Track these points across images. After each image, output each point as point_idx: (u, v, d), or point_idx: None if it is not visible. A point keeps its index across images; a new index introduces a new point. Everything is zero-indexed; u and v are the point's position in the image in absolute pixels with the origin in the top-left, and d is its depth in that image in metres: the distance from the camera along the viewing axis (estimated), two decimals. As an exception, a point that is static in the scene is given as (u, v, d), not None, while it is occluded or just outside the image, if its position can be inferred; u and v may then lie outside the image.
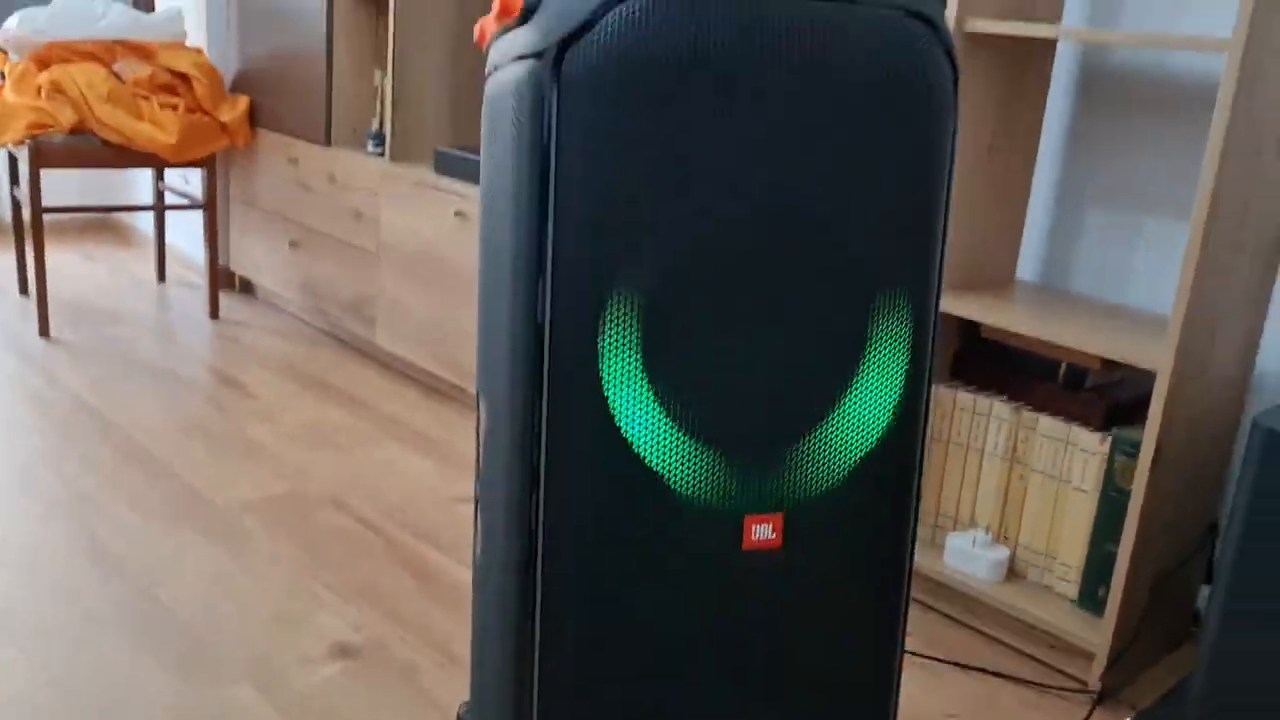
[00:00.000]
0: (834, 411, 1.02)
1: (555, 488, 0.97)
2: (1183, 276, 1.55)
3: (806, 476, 1.01)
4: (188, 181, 3.66)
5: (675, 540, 0.99)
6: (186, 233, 3.89)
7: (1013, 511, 1.88)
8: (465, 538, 2.10)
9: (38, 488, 2.15)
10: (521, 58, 0.94)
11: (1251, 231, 1.63)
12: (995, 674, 1.77)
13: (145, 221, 4.13)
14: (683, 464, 0.97)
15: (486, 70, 1.03)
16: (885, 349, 1.03)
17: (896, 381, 1.05)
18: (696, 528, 0.99)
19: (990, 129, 1.89)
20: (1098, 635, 1.70)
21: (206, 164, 3.21)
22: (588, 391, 0.95)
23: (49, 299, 3.38)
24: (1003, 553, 1.85)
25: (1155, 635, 1.79)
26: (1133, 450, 1.68)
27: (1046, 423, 1.80)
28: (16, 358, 2.86)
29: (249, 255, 3.49)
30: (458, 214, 2.58)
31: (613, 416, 0.96)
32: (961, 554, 1.88)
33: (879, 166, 0.98)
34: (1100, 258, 2.02)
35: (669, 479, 0.97)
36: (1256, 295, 1.71)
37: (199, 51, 3.23)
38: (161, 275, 3.74)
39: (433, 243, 2.67)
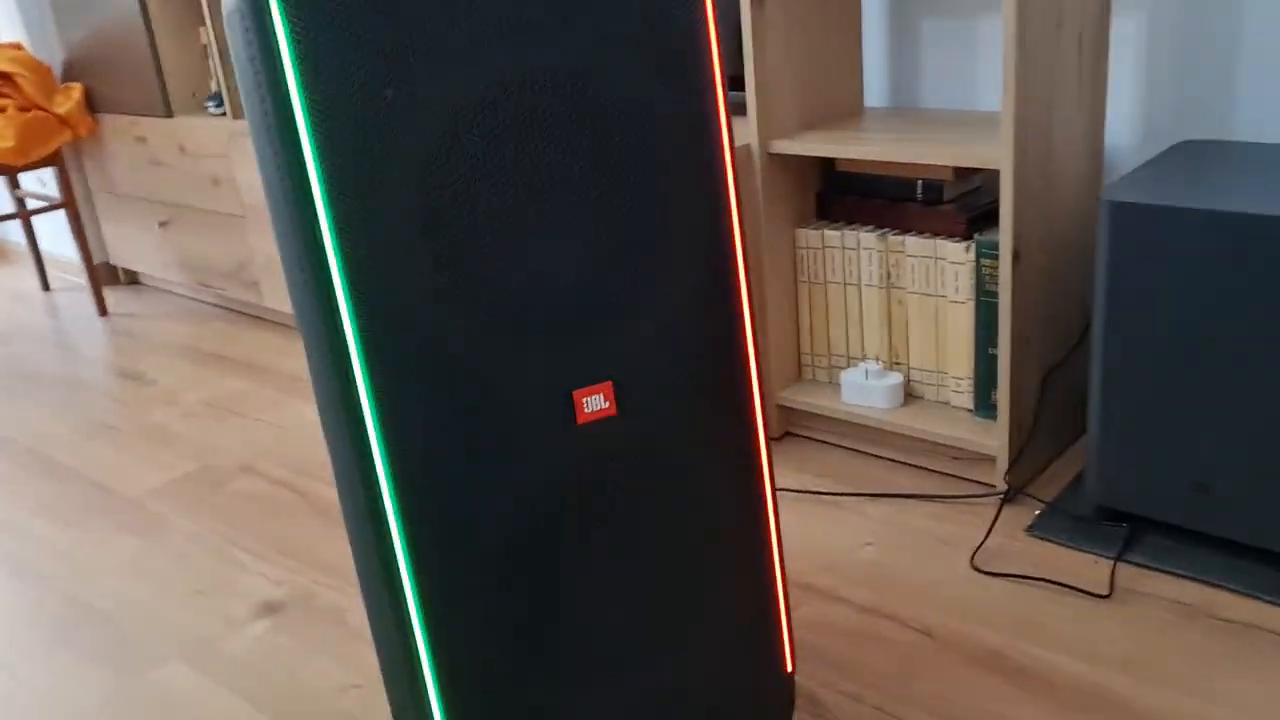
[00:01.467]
0: (639, 298, 1.02)
1: (383, 406, 0.96)
2: (1004, 66, 1.54)
3: (626, 343, 1.01)
4: (44, 184, 3.55)
5: (509, 433, 0.98)
6: (62, 237, 3.79)
7: (899, 337, 1.90)
8: (379, 476, 2.09)
9: (-59, 518, 2.11)
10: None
11: (1072, 7, 1.63)
12: (905, 496, 1.80)
13: (19, 235, 4.01)
14: (501, 352, 0.97)
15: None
16: (685, 210, 1.03)
17: (701, 238, 1.04)
18: (528, 415, 0.99)
19: (805, -38, 1.87)
20: (995, 438, 1.74)
21: (55, 161, 3.12)
22: (395, 306, 0.94)
23: (-71, 331, 3.30)
24: (895, 379, 1.88)
25: (1054, 428, 1.83)
26: (994, 252, 1.70)
27: (913, 242, 1.82)
28: (-96, 396, 2.80)
29: (124, 245, 3.41)
30: (312, 159, 2.52)
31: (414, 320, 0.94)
32: (857, 388, 1.90)
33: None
34: (942, 67, 2.02)
35: (490, 370, 0.97)
36: (1092, 73, 1.72)
37: (18, 46, 3.10)
38: (45, 284, 3.65)
39: (295, 193, 2.61)
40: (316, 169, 0.89)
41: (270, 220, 1.02)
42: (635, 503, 1.06)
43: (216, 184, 2.85)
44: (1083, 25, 1.67)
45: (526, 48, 0.93)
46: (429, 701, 1.04)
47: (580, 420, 1.00)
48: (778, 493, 1.73)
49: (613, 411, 1.01)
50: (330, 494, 2.04)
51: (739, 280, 1.07)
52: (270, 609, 1.70)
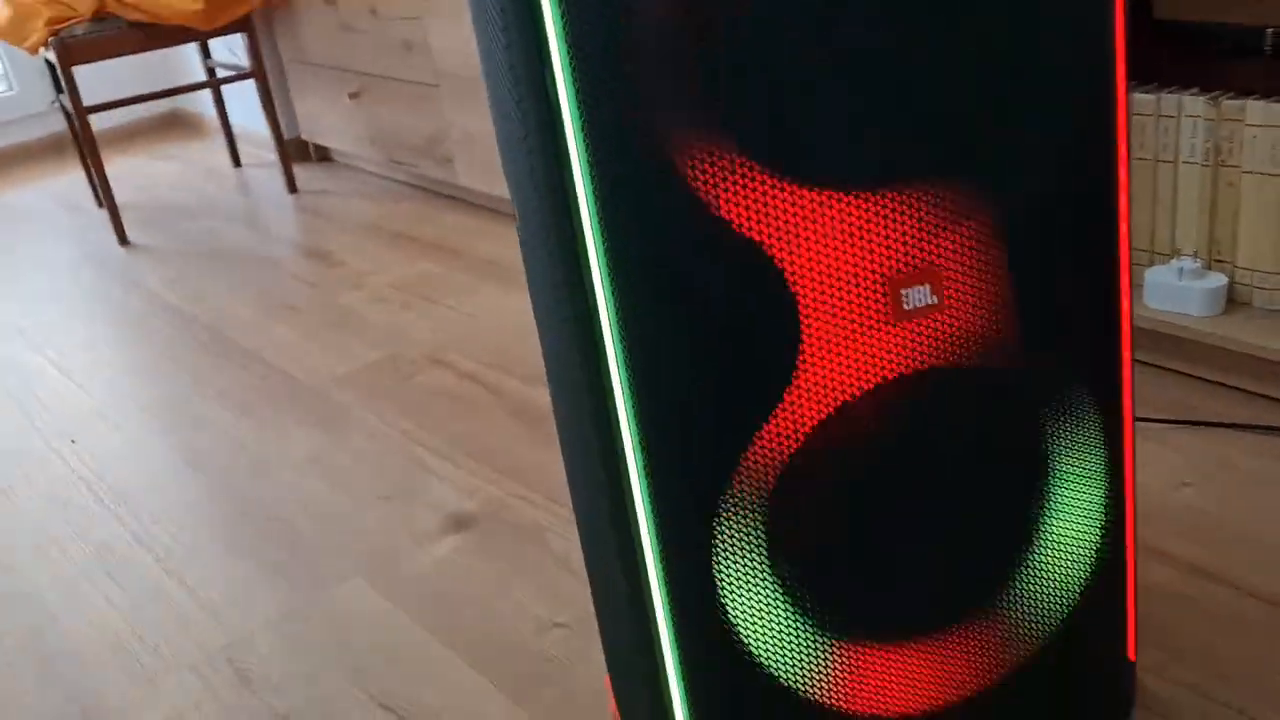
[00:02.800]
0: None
1: (623, 302, 0.69)
2: None
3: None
4: (234, 53, 3.41)
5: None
6: (254, 110, 3.66)
7: (1224, 228, 1.52)
8: (581, 374, 1.85)
9: (125, 401, 1.98)
10: None
11: None
12: (1230, 425, 1.45)
13: (209, 105, 3.91)
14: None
15: None
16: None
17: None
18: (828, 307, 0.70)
19: None
20: (1359, 358, 1.36)
21: (245, 27, 2.94)
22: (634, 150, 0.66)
23: (123, 206, 3.22)
24: (1218, 280, 1.51)
25: None
26: (1381, 118, 1.31)
27: (1256, 108, 1.43)
28: (96, 271, 2.71)
29: (317, 120, 3.24)
30: (510, 17, 2.26)
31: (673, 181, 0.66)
32: (1166, 290, 1.54)
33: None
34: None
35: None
36: None
37: (207, -97, 2.92)
38: (236, 160, 3.54)
39: (491, 57, 2.36)
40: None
41: (484, 79, 0.74)
42: (964, 428, 0.76)
43: (409, 49, 2.62)
44: None
45: None
46: (667, 685, 0.79)
47: (898, 319, 0.70)
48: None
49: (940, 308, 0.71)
50: (528, 392, 1.81)
51: (1119, 147, 0.75)
52: (460, 523, 1.48)
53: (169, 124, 4.20)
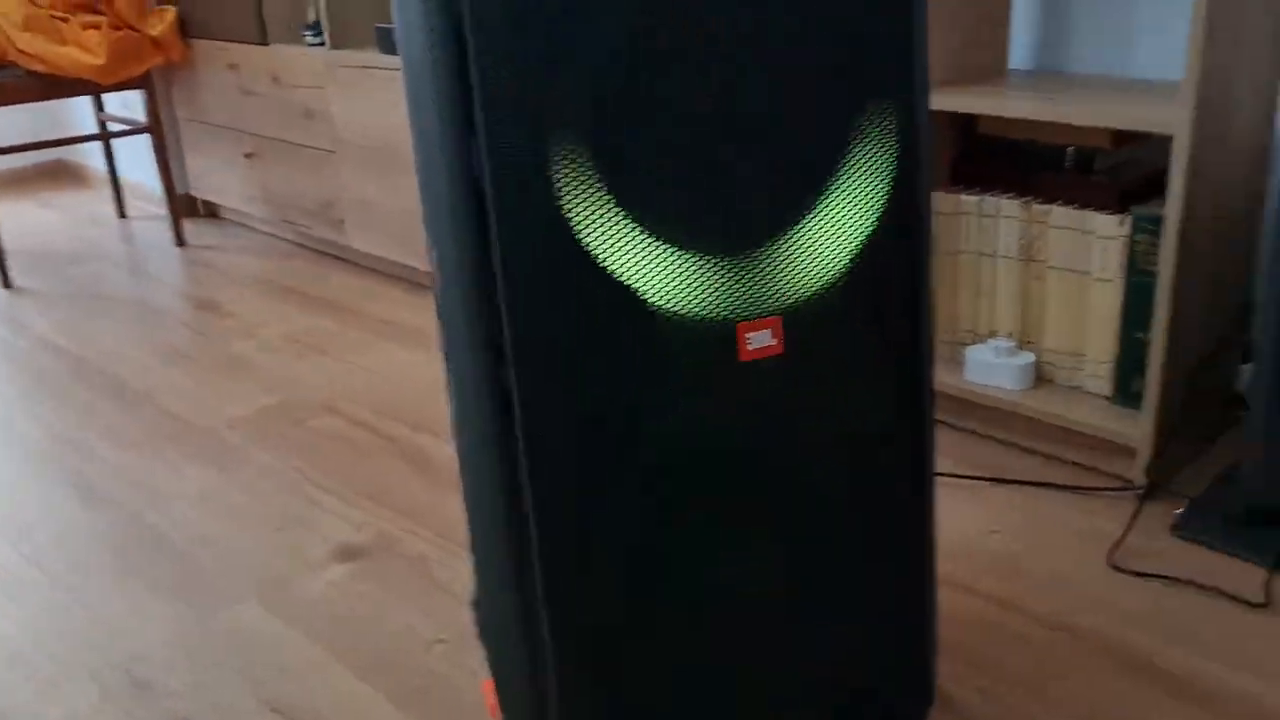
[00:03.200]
0: (813, 213, 0.90)
1: (522, 332, 0.85)
2: (1193, 25, 1.40)
3: (794, 280, 0.89)
4: (129, 107, 3.49)
5: (666, 362, 0.87)
6: (142, 164, 3.73)
7: (1033, 314, 1.76)
8: (464, 425, 2.00)
9: (14, 436, 2.04)
10: None
11: (1261, -32, 1.48)
12: (1035, 483, 1.67)
13: (99, 159, 3.96)
14: (662, 276, 0.86)
15: None
16: (869, 152, 0.91)
17: (882, 186, 0.92)
18: (688, 345, 0.87)
19: (962, -96, 1.73)
20: (1138, 429, 1.60)
21: (144, 84, 3.04)
22: (542, 223, 0.83)
23: (8, 251, 3.25)
24: (1028, 358, 1.74)
25: (1197, 422, 1.69)
26: (1154, 226, 1.56)
27: (1059, 213, 1.68)
28: (-21, 311, 2.74)
29: (207, 177, 3.34)
30: (410, 93, 2.42)
31: (576, 238, 0.83)
32: (984, 366, 1.77)
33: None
34: (1096, 31, 1.87)
35: (650, 296, 0.86)
36: (1273, 45, 1.57)
37: (115, -36, 3.03)
38: (121, 211, 3.59)
39: (390, 129, 2.52)
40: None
41: (413, 147, 0.91)
42: (795, 458, 0.94)
43: (309, 117, 2.76)
44: (1273, -16, 1.52)
45: None
46: (545, 663, 0.94)
47: (742, 357, 0.88)
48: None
49: (779, 350, 0.89)
50: (419, 439, 1.94)
51: (922, 243, 0.95)
52: (350, 553, 1.60)
53: (54, 173, 4.23)
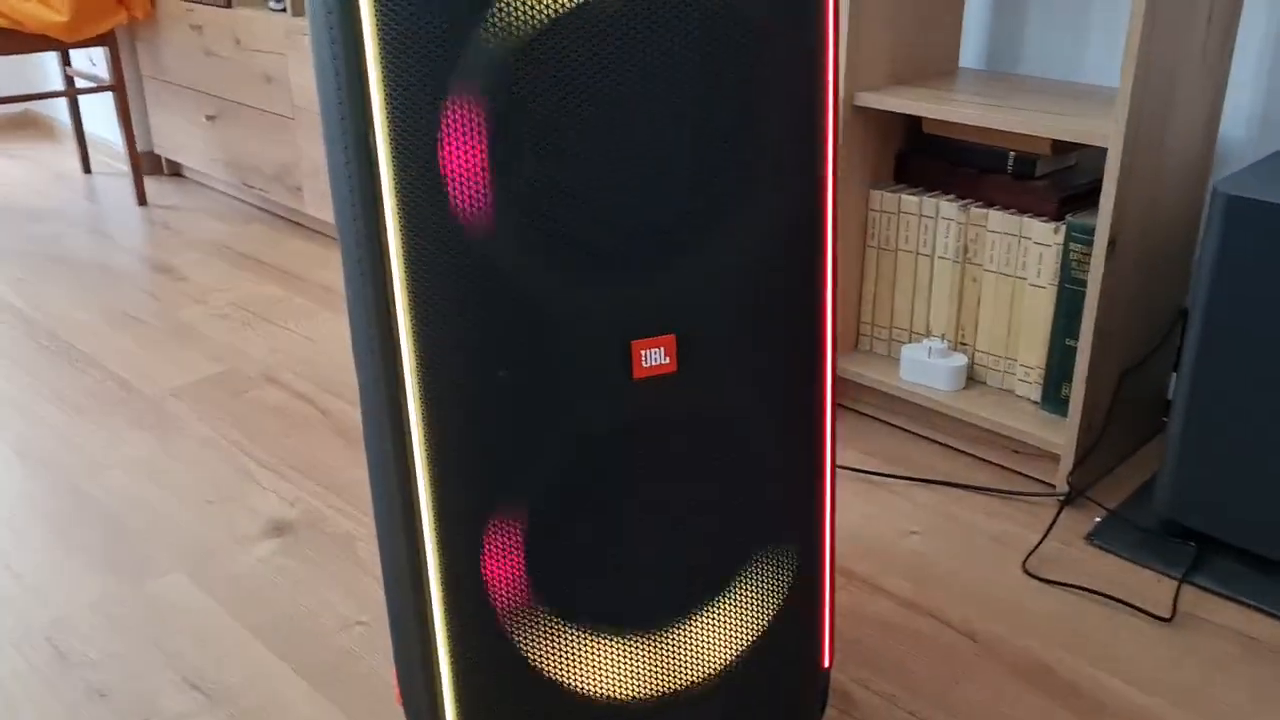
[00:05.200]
0: (716, 233, 0.91)
1: (422, 327, 0.86)
2: (1129, 38, 1.41)
3: (693, 298, 0.90)
4: (94, 64, 3.46)
5: (559, 374, 0.88)
6: (108, 120, 3.70)
7: (968, 316, 1.78)
8: (406, 402, 2.01)
9: (-46, 394, 2.04)
10: None
11: (1202, -16, 1.49)
12: (957, 485, 1.69)
13: (63, 112, 3.93)
14: (560, 287, 0.86)
15: None
16: (780, 142, 0.92)
17: (792, 175, 0.93)
18: (582, 358, 0.88)
19: (917, -96, 1.73)
20: (1062, 436, 1.62)
21: (108, 42, 3.02)
22: (439, 211, 0.83)
23: (-34, 202, 3.23)
24: (960, 360, 1.76)
25: (1125, 429, 1.72)
26: (1087, 237, 1.58)
27: (997, 217, 1.69)
28: (-67, 265, 2.73)
29: (171, 136, 3.32)
30: (369, 64, 2.41)
31: (467, 242, 0.84)
32: (917, 365, 1.78)
33: None
34: (1048, 35, 1.88)
35: (546, 304, 0.86)
36: (1217, 56, 1.58)
37: (81, -82, 2.99)
38: (86, 166, 3.57)
39: (349, 98, 2.50)
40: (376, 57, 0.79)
41: (320, 112, 0.92)
42: (685, 466, 0.96)
43: (269, 81, 2.75)
44: (1214, 3, 1.53)
45: None
46: (436, 651, 0.96)
47: (636, 375, 0.90)
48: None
49: (671, 368, 0.91)
50: (355, 414, 1.95)
51: (826, 232, 0.96)
52: (279, 529, 1.62)
53: (21, 124, 4.19)
